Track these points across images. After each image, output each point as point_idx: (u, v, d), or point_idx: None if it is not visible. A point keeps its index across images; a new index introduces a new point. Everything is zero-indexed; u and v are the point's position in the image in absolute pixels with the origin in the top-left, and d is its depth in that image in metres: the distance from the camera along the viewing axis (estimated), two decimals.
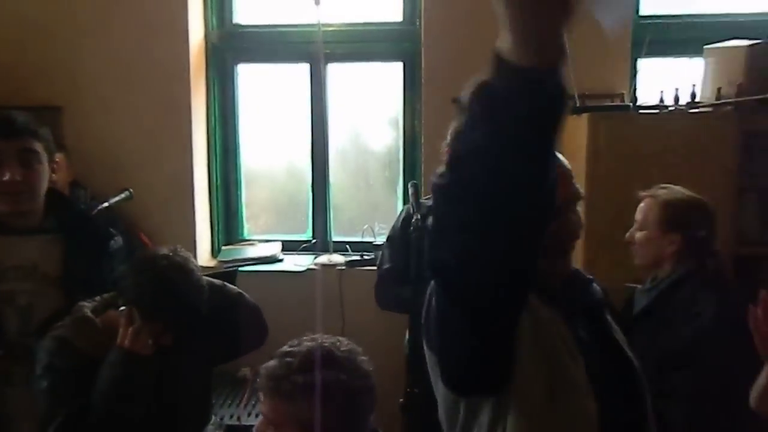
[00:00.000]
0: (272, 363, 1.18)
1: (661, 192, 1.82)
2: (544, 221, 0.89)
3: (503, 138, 0.79)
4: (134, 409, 1.41)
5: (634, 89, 2.57)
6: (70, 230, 1.66)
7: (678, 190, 1.82)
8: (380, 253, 2.29)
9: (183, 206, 2.89)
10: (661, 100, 2.37)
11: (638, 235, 1.86)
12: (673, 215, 1.78)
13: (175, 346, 1.47)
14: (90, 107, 2.83)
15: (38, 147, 1.59)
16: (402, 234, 2.16)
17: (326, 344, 1.18)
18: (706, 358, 1.62)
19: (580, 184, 2.23)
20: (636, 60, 2.75)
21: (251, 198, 3.23)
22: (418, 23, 2.86)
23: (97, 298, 1.55)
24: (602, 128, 2.24)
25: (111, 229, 1.78)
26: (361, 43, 2.99)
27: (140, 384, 1.42)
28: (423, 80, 2.81)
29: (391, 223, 2.32)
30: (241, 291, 1.72)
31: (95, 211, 2.29)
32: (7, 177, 1.52)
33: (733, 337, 1.46)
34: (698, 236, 1.77)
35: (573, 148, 2.43)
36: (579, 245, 2.26)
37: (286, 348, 1.19)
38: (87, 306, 1.51)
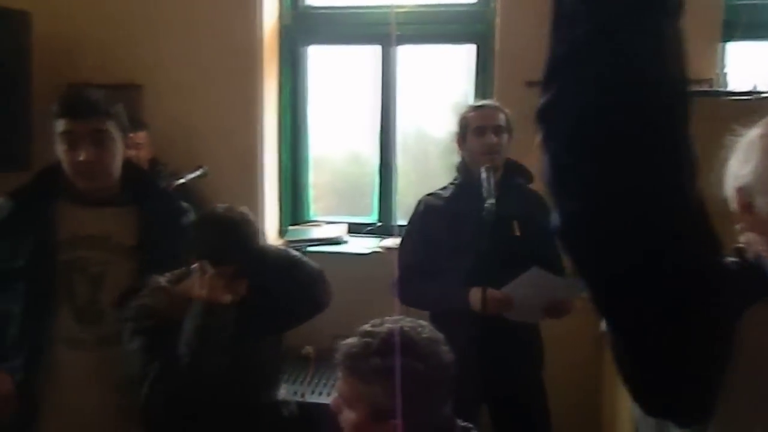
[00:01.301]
0: (352, 341, 1.17)
1: None
2: (683, 123, 0.70)
3: (617, 21, 0.67)
4: (216, 357, 1.45)
5: (724, 74, 2.42)
6: (146, 203, 1.70)
7: None
8: (400, 246, 2.20)
9: (252, 186, 2.94)
10: (754, 87, 2.22)
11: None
12: None
13: (248, 298, 1.50)
14: (168, 86, 2.91)
15: (110, 126, 1.61)
16: (422, 227, 2.11)
17: (407, 328, 1.16)
18: None
19: None
20: (726, 44, 2.59)
21: (317, 180, 3.26)
22: (492, 4, 2.79)
23: (172, 272, 1.60)
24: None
25: (184, 204, 1.81)
26: (433, 25, 2.94)
27: (220, 331, 1.45)
28: (496, 63, 2.74)
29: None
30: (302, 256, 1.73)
31: (172, 186, 2.36)
32: (81, 157, 1.57)
33: None
34: None
35: None
36: None
37: (367, 327, 1.18)
38: (161, 278, 1.57)
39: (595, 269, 0.74)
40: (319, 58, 3.14)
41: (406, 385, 1.12)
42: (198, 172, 2.59)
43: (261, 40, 2.88)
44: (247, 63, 2.89)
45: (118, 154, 1.65)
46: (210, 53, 2.90)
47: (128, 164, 1.71)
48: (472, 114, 2.10)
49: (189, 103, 2.92)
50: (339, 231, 3.01)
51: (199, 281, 1.47)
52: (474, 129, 2.06)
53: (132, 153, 2.47)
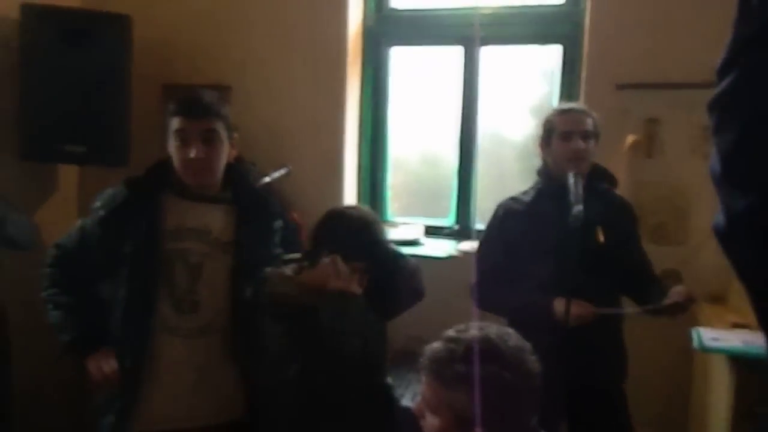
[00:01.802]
0: (436, 345, 1.17)
1: None
2: None
3: None
4: (355, 341, 1.59)
5: None
6: (243, 203, 1.79)
7: None
8: (478, 250, 2.17)
9: (333, 185, 2.99)
10: None
11: None
12: None
13: (369, 289, 1.65)
14: (255, 87, 3.01)
15: (220, 126, 1.71)
16: (502, 232, 2.06)
17: (492, 336, 1.14)
18: None
19: None
20: None
21: (395, 181, 3.27)
22: (582, 5, 2.71)
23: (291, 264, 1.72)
24: None
25: (276, 210, 1.89)
26: (518, 25, 2.89)
27: (355, 319, 1.61)
28: (585, 65, 2.65)
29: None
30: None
31: (259, 185, 2.43)
32: (192, 154, 1.67)
33: None
34: None
35: None
36: None
37: (451, 333, 1.17)
38: (285, 269, 1.70)
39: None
40: (402, 60, 3.15)
41: (492, 394, 1.11)
42: (282, 171, 2.65)
43: (346, 41, 2.93)
44: (331, 64, 2.94)
45: (224, 153, 1.75)
46: (296, 55, 2.97)
47: (230, 166, 1.81)
48: (558, 118, 2.03)
49: (275, 103, 3.00)
50: (416, 232, 3.01)
51: (334, 274, 1.61)
52: (560, 134, 2.00)
53: (233, 153, 2.59)
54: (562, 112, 2.05)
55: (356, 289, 1.62)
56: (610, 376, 2.05)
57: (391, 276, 1.72)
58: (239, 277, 1.73)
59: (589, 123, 2.01)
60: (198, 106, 1.69)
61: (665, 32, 2.51)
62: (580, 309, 1.83)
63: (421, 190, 3.41)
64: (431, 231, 3.09)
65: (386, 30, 3.09)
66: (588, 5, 2.64)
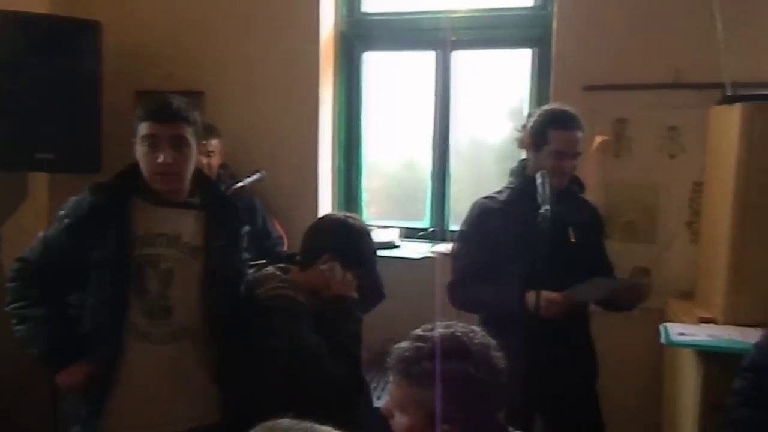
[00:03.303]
0: (404, 345, 1.18)
1: None
2: None
3: None
4: (359, 345, 1.69)
5: None
6: (212, 208, 1.79)
7: None
8: (453, 248, 2.19)
9: (308, 189, 2.99)
10: None
11: None
12: None
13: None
14: (228, 93, 3.00)
15: (189, 132, 1.71)
16: (478, 230, 2.08)
17: (459, 333, 1.16)
18: None
19: (729, 182, 2.08)
20: None
21: (370, 184, 3.28)
22: (550, 7, 2.75)
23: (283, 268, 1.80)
24: (758, 120, 2.03)
25: (245, 217, 1.90)
26: (489, 30, 2.92)
27: (358, 322, 1.70)
28: (554, 67, 2.70)
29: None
30: None
31: (231, 190, 2.43)
32: (160, 159, 1.66)
33: None
34: None
35: (721, 141, 2.24)
36: (724, 250, 2.12)
37: (418, 331, 1.18)
38: (276, 271, 1.78)
39: None
40: (375, 64, 3.17)
41: (460, 390, 1.12)
42: (255, 177, 2.66)
43: (318, 46, 2.94)
44: (305, 69, 2.95)
45: (193, 160, 1.75)
46: (268, 60, 2.97)
47: (198, 171, 1.82)
48: (555, 134, 1.98)
49: (248, 108, 3.00)
50: (391, 235, 3.03)
51: (333, 281, 1.69)
52: (555, 151, 1.98)
53: (204, 160, 2.59)
54: (558, 127, 2.00)
55: (354, 294, 1.71)
56: (581, 376, 2.08)
57: (369, 280, 1.80)
58: (210, 281, 1.73)
59: (581, 139, 2.02)
60: (167, 111, 1.69)
61: (632, 35, 2.56)
62: (549, 296, 1.86)
63: (397, 193, 3.43)
64: (407, 234, 3.11)
65: (359, 35, 3.10)
66: (556, 8, 2.68)
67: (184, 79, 3.01)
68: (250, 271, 1.84)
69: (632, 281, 2.10)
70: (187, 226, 1.76)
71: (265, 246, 2.25)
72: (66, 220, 1.71)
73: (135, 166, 1.73)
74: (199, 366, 1.74)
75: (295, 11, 2.93)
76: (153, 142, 1.67)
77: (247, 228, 1.88)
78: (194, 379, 1.73)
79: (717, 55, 2.26)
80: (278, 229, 2.68)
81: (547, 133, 2.00)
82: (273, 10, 2.95)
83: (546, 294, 1.83)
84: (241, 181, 2.58)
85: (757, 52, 2.41)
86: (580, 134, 2.01)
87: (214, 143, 2.66)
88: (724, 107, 2.20)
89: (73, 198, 1.76)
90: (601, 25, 2.60)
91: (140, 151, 1.70)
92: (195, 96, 2.96)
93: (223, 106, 2.99)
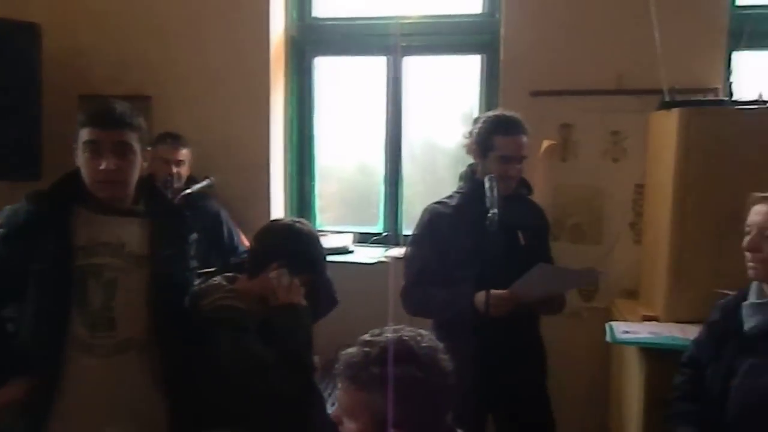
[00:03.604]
0: (351, 351, 1.17)
1: None
2: None
3: None
4: (310, 353, 1.65)
5: (730, 84, 2.41)
6: (157, 216, 1.75)
7: None
8: (406, 254, 2.20)
9: (260, 196, 2.97)
10: (760, 96, 2.21)
11: None
12: None
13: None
14: (177, 97, 2.95)
15: (133, 139, 1.66)
16: (429, 235, 2.10)
17: (406, 338, 1.16)
18: None
19: (668, 185, 2.16)
20: (731, 53, 2.60)
21: (324, 190, 3.28)
22: (497, 15, 2.81)
23: (217, 278, 1.74)
24: (694, 124, 2.12)
25: (191, 224, 1.85)
26: (439, 36, 2.96)
27: (308, 329, 1.66)
28: (502, 73, 2.75)
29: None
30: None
31: (179, 197, 2.39)
32: (102, 166, 1.61)
33: None
34: None
35: (661, 145, 2.32)
36: (664, 250, 2.20)
37: (366, 337, 1.18)
38: (220, 280, 1.72)
39: None
40: (326, 69, 3.17)
41: (407, 394, 1.13)
42: (205, 183, 2.61)
43: (268, 51, 2.92)
44: (255, 74, 2.92)
45: (137, 167, 1.69)
46: (218, 65, 2.93)
47: (143, 178, 1.76)
48: (500, 140, 2.01)
49: (198, 114, 2.95)
50: (345, 241, 3.03)
51: (280, 288, 1.65)
52: (500, 156, 2.01)
53: (174, 169, 2.59)
54: (503, 132, 2.03)
55: (303, 301, 1.66)
56: (531, 374, 2.12)
57: (320, 286, 1.77)
58: (157, 291, 1.69)
59: (526, 144, 2.05)
60: (110, 116, 1.63)
61: (577, 42, 2.64)
62: (497, 293, 1.88)
63: (352, 198, 3.43)
64: (361, 238, 3.11)
65: (310, 39, 3.10)
66: (503, 16, 2.74)
67: (131, 83, 2.94)
68: (198, 280, 1.80)
69: (587, 270, 2.10)
70: (131, 234, 1.70)
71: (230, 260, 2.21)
72: (1, 231, 1.64)
73: (76, 173, 1.68)
74: (145, 379, 1.69)
75: (244, 15, 2.90)
76: (95, 148, 1.62)
77: (195, 236, 1.85)
78: (140, 393, 1.68)
79: (656, 62, 2.35)
80: (244, 242, 2.64)
81: (492, 139, 2.03)
82: (222, 14, 2.92)
83: (494, 292, 1.86)
84: (189, 188, 2.53)
85: (694, 60, 2.52)
86: (524, 139, 2.04)
87: (184, 152, 2.66)
88: (663, 112, 2.28)
89: (9, 207, 1.69)
90: (547, 33, 2.66)
91: (82, 157, 1.64)
92: (142, 101, 2.89)
93: (171, 111, 2.93)
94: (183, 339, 1.69)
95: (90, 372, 1.64)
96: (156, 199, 1.79)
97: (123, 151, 1.64)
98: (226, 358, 1.57)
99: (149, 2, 2.98)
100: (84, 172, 1.65)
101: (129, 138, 1.65)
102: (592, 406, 2.67)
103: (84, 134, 1.63)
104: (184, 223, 1.81)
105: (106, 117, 1.63)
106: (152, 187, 1.83)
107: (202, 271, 1.84)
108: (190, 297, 1.74)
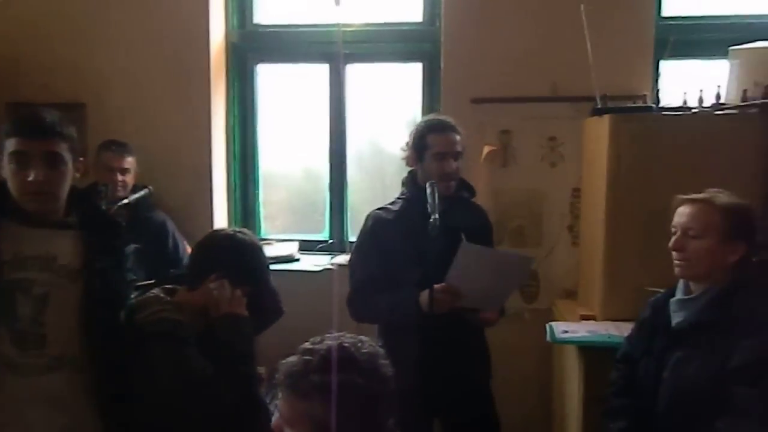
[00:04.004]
0: (291, 359, 1.17)
1: (717, 197, 1.64)
2: None
3: None
4: (254, 364, 1.62)
5: (657, 91, 2.53)
6: (90, 228, 1.69)
7: (729, 195, 1.65)
8: (350, 261, 2.22)
9: (202, 204, 2.92)
10: (685, 102, 2.33)
11: (694, 244, 1.62)
12: (739, 223, 1.61)
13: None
14: (114, 104, 2.87)
15: (63, 149, 1.60)
16: (372, 242, 2.12)
17: (347, 344, 1.16)
18: None
19: (601, 188, 2.24)
20: (658, 62, 2.72)
21: (269, 198, 3.24)
22: (438, 23, 2.86)
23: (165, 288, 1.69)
24: (624, 130, 2.21)
25: (127, 236, 1.80)
26: (381, 44, 2.99)
27: (250, 340, 1.63)
28: (442, 81, 2.80)
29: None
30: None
31: (115, 208, 2.32)
32: (31, 177, 1.55)
33: None
34: (760, 243, 1.65)
35: (594, 150, 2.41)
36: (599, 251, 2.28)
37: (306, 345, 1.17)
38: (158, 292, 1.66)
39: None
40: (268, 77, 3.14)
41: (348, 400, 1.13)
42: (142, 193, 2.55)
43: (208, 57, 2.88)
44: (194, 81, 2.87)
45: (68, 177, 1.64)
46: (156, 71, 2.87)
47: (74, 189, 1.70)
48: (432, 137, 2.07)
49: (135, 121, 2.88)
50: (290, 249, 3.00)
51: (222, 298, 1.62)
52: (434, 154, 2.06)
53: (119, 178, 2.53)
54: (436, 131, 2.08)
55: (244, 311, 1.64)
56: (476, 375, 2.16)
57: (264, 296, 1.75)
58: (90, 306, 1.63)
59: (459, 142, 2.10)
60: (38, 125, 1.57)
61: (514, 51, 2.71)
62: (439, 287, 1.90)
63: (297, 206, 3.40)
64: (307, 246, 3.10)
65: (251, 46, 3.07)
66: (443, 25, 2.79)
67: (63, 90, 2.84)
68: (135, 293, 1.75)
69: (521, 257, 2.13)
70: (63, 247, 1.64)
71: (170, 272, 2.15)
72: None
73: (2, 185, 1.60)
74: (79, 398, 1.62)
75: (183, 20, 2.85)
76: (22, 159, 1.56)
77: (132, 247, 1.79)
78: (73, 413, 1.61)
79: (589, 70, 2.44)
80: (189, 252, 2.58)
81: (426, 138, 2.08)
82: (161, 20, 2.86)
83: (436, 286, 1.89)
84: (126, 198, 2.46)
85: (623, 68, 2.63)
86: (457, 137, 2.09)
87: (129, 160, 2.60)
88: (596, 118, 2.37)
89: None
90: (485, 42, 2.73)
91: (8, 168, 1.57)
92: (76, 108, 2.81)
93: (107, 119, 2.85)
94: (119, 356, 1.63)
95: (18, 392, 1.57)
96: (88, 211, 1.73)
97: (52, 162, 1.58)
98: (165, 372, 1.53)
99: (83, 6, 2.89)
100: (11, 184, 1.58)
101: (59, 148, 1.59)
102: (535, 404, 2.74)
103: (10, 144, 1.57)
104: (118, 234, 1.75)
105: (34, 126, 1.57)
106: (84, 198, 1.77)
107: (140, 283, 1.78)
108: (127, 310, 1.68)
